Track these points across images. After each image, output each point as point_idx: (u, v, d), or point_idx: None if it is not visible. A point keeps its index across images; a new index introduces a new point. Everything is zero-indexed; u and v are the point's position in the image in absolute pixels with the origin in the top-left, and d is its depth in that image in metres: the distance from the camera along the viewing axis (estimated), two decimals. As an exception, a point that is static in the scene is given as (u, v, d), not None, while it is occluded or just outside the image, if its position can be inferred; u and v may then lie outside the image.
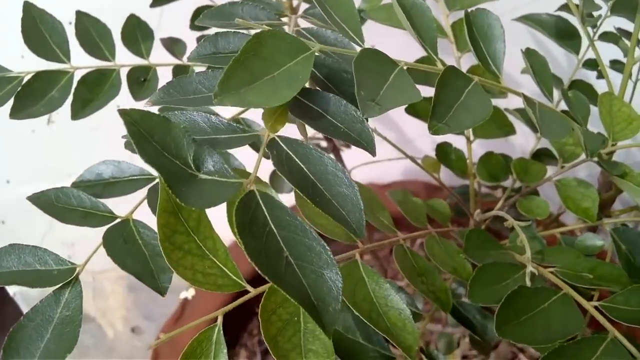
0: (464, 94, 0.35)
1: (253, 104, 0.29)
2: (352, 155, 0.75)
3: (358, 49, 0.35)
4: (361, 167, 0.78)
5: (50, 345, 0.34)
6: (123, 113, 0.26)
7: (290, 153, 0.31)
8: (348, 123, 0.33)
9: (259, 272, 0.26)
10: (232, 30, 0.37)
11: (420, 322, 0.48)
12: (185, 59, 0.59)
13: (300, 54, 0.32)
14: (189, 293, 0.95)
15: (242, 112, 0.51)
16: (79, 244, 1.03)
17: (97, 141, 0.80)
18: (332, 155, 0.70)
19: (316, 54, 0.37)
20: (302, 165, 0.30)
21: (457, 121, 0.34)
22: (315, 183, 0.30)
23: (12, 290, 1.07)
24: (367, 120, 0.34)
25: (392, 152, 0.72)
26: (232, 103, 0.29)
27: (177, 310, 0.94)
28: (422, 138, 0.99)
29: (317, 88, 0.35)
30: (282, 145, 0.31)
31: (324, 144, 0.72)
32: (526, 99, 0.38)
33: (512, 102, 0.64)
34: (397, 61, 0.35)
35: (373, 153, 0.32)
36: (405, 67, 0.35)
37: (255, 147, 0.48)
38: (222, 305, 0.34)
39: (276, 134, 0.32)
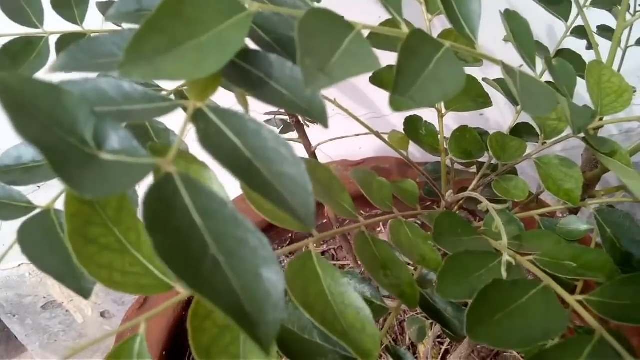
0: (433, 62, 0.30)
1: (172, 75, 0.24)
2: (319, 131, 0.70)
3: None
4: (333, 143, 0.73)
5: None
6: (-6, 78, 0.20)
7: (221, 125, 0.25)
8: (295, 90, 0.27)
9: (174, 275, 0.21)
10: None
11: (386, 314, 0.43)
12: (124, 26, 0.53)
13: (234, 15, 0.26)
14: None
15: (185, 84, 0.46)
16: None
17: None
18: (295, 132, 0.65)
19: (262, 11, 0.31)
20: (235, 140, 0.25)
21: (424, 94, 0.29)
22: (251, 162, 0.24)
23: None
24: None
25: (362, 128, 0.67)
26: (142, 75, 0.23)
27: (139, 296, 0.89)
28: (396, 114, 0.95)
29: (258, 49, 0.29)
30: (211, 116, 0.25)
31: (286, 118, 0.66)
32: (505, 66, 0.33)
33: (489, 72, 0.59)
34: (353, 23, 0.29)
35: (325, 124, 0.27)
36: (363, 31, 0.30)
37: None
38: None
39: (204, 103, 0.26)
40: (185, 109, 0.27)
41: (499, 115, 0.85)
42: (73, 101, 0.22)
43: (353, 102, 0.94)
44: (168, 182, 0.23)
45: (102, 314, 1.16)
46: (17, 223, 0.35)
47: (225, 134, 0.25)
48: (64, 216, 0.34)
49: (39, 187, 0.85)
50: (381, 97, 0.93)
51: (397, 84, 0.28)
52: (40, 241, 0.33)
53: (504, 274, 0.38)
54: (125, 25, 0.49)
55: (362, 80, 0.58)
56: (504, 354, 0.79)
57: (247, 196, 0.36)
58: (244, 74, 0.28)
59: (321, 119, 0.27)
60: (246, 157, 0.25)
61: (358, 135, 0.64)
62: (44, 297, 1.07)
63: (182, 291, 0.29)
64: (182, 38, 0.24)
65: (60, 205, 0.35)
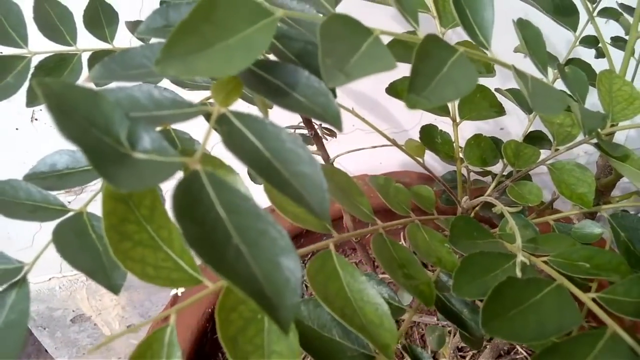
0: (447, 65, 0.32)
1: (203, 72, 0.26)
2: (338, 144, 0.72)
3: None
4: (353, 159, 0.75)
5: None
6: (39, 84, 0.22)
7: (243, 129, 0.27)
8: (311, 96, 0.29)
9: (202, 261, 0.23)
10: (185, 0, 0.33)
11: (404, 315, 0.45)
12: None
13: (261, 20, 0.28)
14: (179, 289, 0.92)
15: (209, 97, 0.48)
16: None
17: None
18: (313, 146, 0.67)
19: (280, 25, 0.33)
20: (256, 142, 0.27)
21: (438, 94, 0.30)
22: (270, 162, 0.26)
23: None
24: (335, 95, 0.30)
25: (381, 141, 0.69)
26: (177, 71, 0.25)
27: (166, 307, 0.91)
28: (417, 128, 0.96)
29: (276, 60, 0.31)
30: (234, 120, 0.27)
31: (305, 132, 0.68)
32: (517, 71, 0.35)
33: (500, 83, 0.61)
34: (371, 29, 0.31)
35: (339, 128, 0.28)
36: (380, 36, 0.31)
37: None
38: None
39: (228, 108, 0.28)
40: (209, 116, 0.29)
41: (514, 130, 0.86)
42: (109, 105, 0.24)
43: (374, 117, 0.95)
44: (195, 179, 0.25)
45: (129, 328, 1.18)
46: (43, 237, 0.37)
47: (246, 137, 0.27)
48: (95, 219, 0.36)
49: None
50: (401, 112, 0.94)
51: (412, 85, 0.30)
52: (73, 241, 0.35)
53: (519, 274, 0.39)
54: (152, 41, 0.52)
55: (383, 96, 0.60)
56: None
57: (271, 199, 0.37)
58: (264, 82, 0.30)
59: (335, 122, 0.29)
60: (266, 158, 0.26)
61: (375, 147, 0.65)
62: (73, 311, 1.09)
63: (210, 285, 0.31)
64: (212, 40, 0.26)
65: (91, 208, 0.37)
